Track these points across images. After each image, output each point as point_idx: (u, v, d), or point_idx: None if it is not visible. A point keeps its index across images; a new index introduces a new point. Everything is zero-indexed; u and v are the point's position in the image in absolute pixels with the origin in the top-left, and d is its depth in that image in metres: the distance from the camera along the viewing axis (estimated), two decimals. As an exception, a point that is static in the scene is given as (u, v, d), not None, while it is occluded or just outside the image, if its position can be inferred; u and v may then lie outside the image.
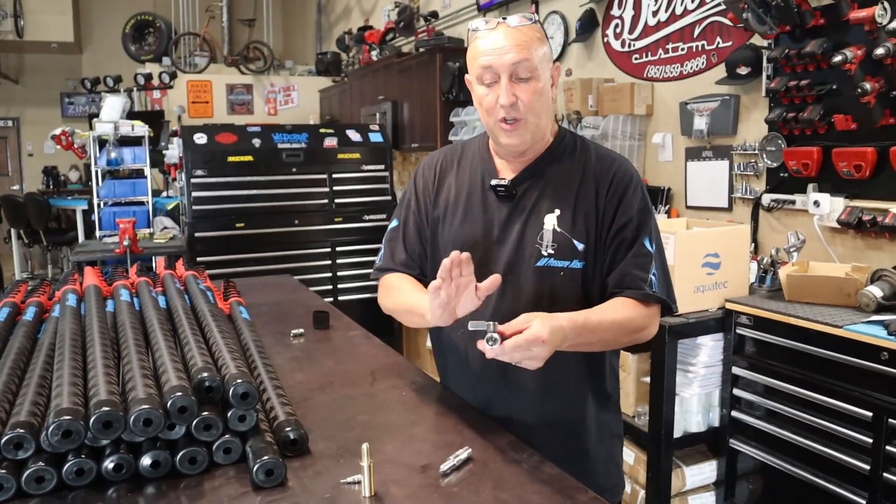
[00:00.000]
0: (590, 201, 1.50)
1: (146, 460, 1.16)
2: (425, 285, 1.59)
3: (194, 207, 4.92)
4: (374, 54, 7.10)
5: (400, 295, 1.57)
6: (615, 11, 4.14)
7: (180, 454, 1.17)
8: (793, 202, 3.08)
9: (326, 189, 5.23)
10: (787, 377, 2.51)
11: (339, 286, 5.32)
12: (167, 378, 1.23)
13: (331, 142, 5.27)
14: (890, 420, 2.17)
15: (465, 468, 1.22)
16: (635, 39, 4.00)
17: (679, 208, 3.73)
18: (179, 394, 1.16)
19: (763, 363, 2.62)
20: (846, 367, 2.29)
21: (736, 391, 2.73)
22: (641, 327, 1.47)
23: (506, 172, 1.55)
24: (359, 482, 1.14)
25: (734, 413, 2.75)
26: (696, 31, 3.60)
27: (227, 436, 1.21)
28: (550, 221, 1.49)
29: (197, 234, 4.93)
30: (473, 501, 1.12)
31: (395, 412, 1.50)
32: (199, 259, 4.78)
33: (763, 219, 3.28)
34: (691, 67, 3.64)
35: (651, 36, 3.89)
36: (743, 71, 3.23)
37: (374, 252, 1.72)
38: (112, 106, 5.73)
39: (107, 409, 1.11)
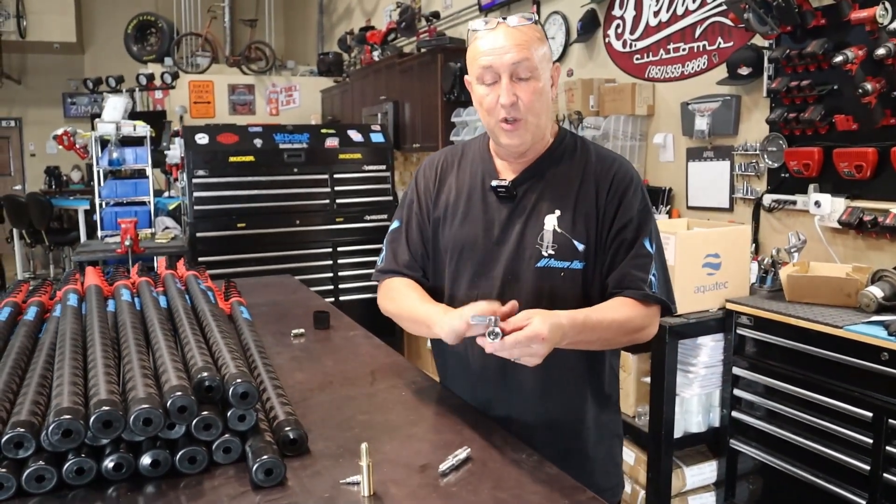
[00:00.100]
0: (590, 202, 1.50)
1: (146, 459, 1.16)
2: (426, 287, 1.60)
3: (196, 207, 4.93)
4: (376, 54, 7.11)
5: (405, 301, 1.57)
6: (616, 12, 4.14)
7: (180, 453, 1.18)
8: (794, 202, 3.08)
9: (328, 189, 5.24)
10: (787, 377, 2.51)
11: (341, 286, 5.32)
12: (167, 378, 1.23)
13: (332, 142, 5.28)
14: (890, 420, 2.17)
15: (464, 468, 1.22)
16: (636, 40, 4.00)
17: (680, 209, 3.73)
18: (179, 393, 1.16)
19: (763, 363, 2.62)
20: (846, 367, 2.29)
21: (736, 391, 2.73)
22: (641, 327, 1.47)
23: (506, 173, 1.55)
24: (358, 483, 1.14)
25: (734, 413, 2.75)
26: (698, 32, 3.60)
27: (226, 435, 1.21)
28: (551, 222, 1.49)
29: (198, 234, 4.94)
30: (472, 501, 1.12)
31: (394, 412, 1.50)
32: (200, 259, 4.79)
33: (764, 219, 3.28)
34: (692, 68, 3.64)
35: (652, 36, 3.89)
36: (744, 71, 3.23)
37: (376, 252, 1.72)
38: (114, 106, 5.74)
39: (107, 408, 1.12)
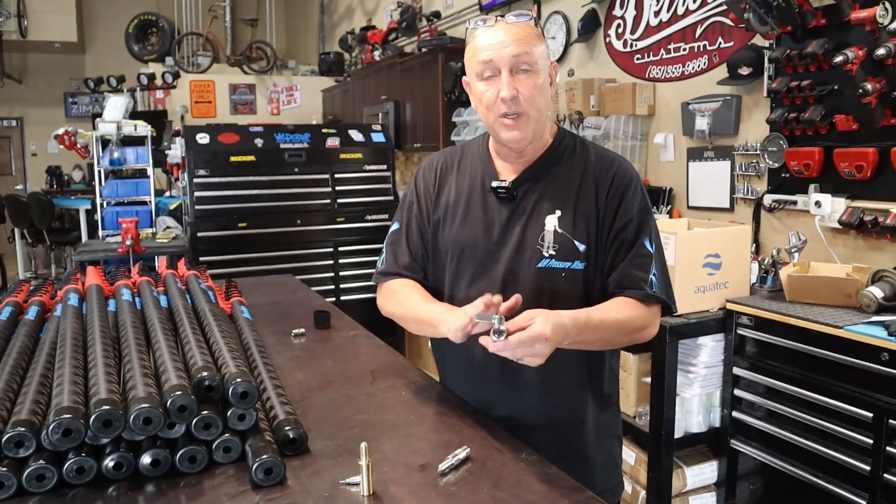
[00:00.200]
0: (590, 202, 1.51)
1: (146, 459, 1.17)
2: (427, 288, 1.60)
3: (197, 207, 4.93)
4: (377, 54, 7.11)
5: (408, 302, 1.57)
6: (617, 12, 4.14)
7: (180, 453, 1.18)
8: (794, 202, 3.08)
9: (328, 189, 5.24)
10: (787, 378, 2.51)
11: (342, 286, 5.33)
12: (167, 377, 1.23)
13: (333, 142, 5.28)
14: (890, 421, 2.17)
15: (464, 467, 1.23)
16: (637, 40, 4.00)
17: (681, 209, 3.73)
18: (179, 393, 1.17)
19: (764, 364, 2.62)
20: (847, 367, 2.29)
21: (737, 391, 2.73)
22: (642, 327, 1.48)
23: (506, 174, 1.56)
24: (357, 484, 1.14)
25: (735, 413, 2.75)
26: (698, 32, 3.60)
27: (226, 435, 1.21)
28: (551, 222, 1.50)
29: (199, 234, 4.95)
30: (471, 500, 1.12)
31: (394, 412, 1.50)
32: (201, 259, 4.79)
33: (764, 219, 3.27)
34: (693, 68, 3.64)
35: (653, 36, 3.89)
36: (744, 71, 3.23)
37: (377, 252, 1.72)
38: (115, 106, 5.75)
39: (107, 407, 1.12)
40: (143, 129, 5.57)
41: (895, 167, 2.64)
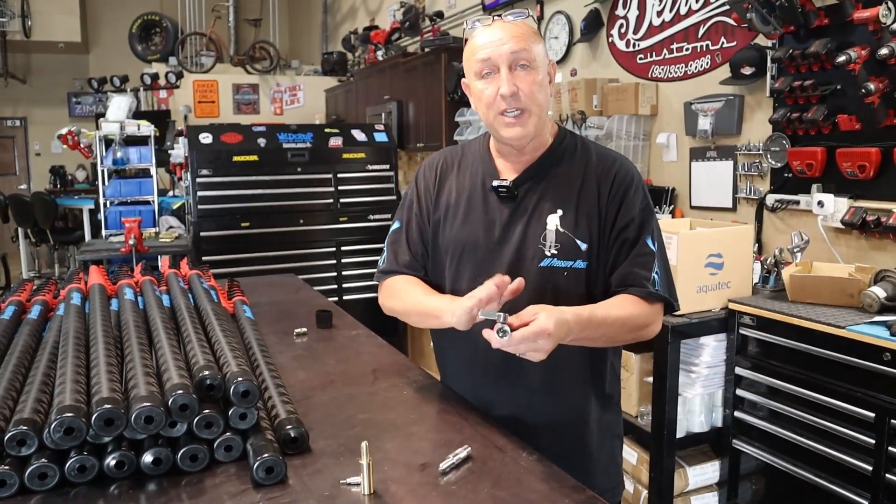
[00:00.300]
0: (592, 201, 1.51)
1: (148, 457, 1.17)
2: (428, 285, 1.61)
3: (199, 207, 4.94)
4: (380, 54, 7.12)
5: (410, 296, 1.57)
6: (620, 11, 4.14)
7: (181, 451, 1.18)
8: (797, 202, 3.07)
9: (331, 189, 5.25)
10: (789, 377, 2.51)
11: (344, 285, 5.33)
12: (169, 376, 1.24)
13: (336, 141, 5.28)
14: (892, 421, 2.17)
15: (464, 466, 1.23)
16: (640, 39, 4.00)
17: (683, 208, 3.73)
18: (181, 391, 1.17)
19: (766, 363, 2.62)
20: (849, 367, 2.29)
21: (739, 391, 2.73)
22: (644, 324, 1.48)
23: (507, 173, 1.56)
24: (358, 484, 1.14)
25: (737, 413, 2.74)
26: (701, 32, 3.60)
27: (227, 433, 1.22)
28: (553, 221, 1.50)
29: (202, 234, 4.95)
30: (471, 500, 1.12)
31: (395, 411, 1.50)
32: (204, 258, 4.80)
33: (767, 219, 3.27)
34: (696, 67, 3.64)
35: (656, 36, 3.89)
36: (747, 71, 3.23)
37: (379, 252, 1.72)
38: (118, 105, 5.75)
39: (108, 406, 1.12)
40: (147, 128, 5.58)
41: (898, 167, 2.64)
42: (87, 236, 7.42)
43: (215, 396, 1.23)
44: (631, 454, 2.88)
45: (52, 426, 1.10)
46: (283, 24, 11.16)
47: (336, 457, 1.26)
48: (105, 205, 5.52)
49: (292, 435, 1.26)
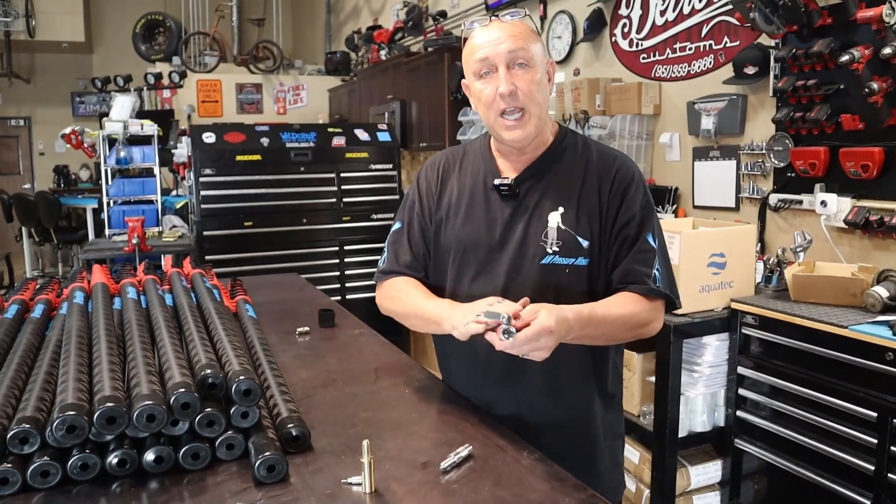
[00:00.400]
0: (593, 199, 1.51)
1: (149, 456, 1.17)
2: (428, 286, 1.61)
3: (203, 206, 4.95)
4: (383, 54, 7.12)
5: (410, 299, 1.57)
6: (623, 11, 4.14)
7: (183, 450, 1.19)
8: (800, 202, 3.07)
9: (334, 188, 5.26)
10: (792, 377, 2.50)
11: (347, 285, 5.34)
12: (171, 374, 1.24)
13: (339, 141, 5.29)
14: (894, 421, 2.16)
15: (466, 465, 1.23)
16: (643, 39, 4.00)
17: (686, 208, 3.72)
18: (182, 390, 1.17)
19: (768, 363, 2.61)
20: (851, 367, 2.29)
21: (741, 391, 2.73)
22: (645, 322, 1.48)
23: (508, 172, 1.56)
24: (359, 484, 1.14)
25: (739, 413, 2.74)
26: (704, 31, 3.60)
27: (229, 432, 1.22)
28: (555, 219, 1.50)
29: (205, 233, 4.96)
30: (472, 498, 1.13)
31: (397, 410, 1.51)
32: (207, 257, 4.81)
33: (770, 219, 3.27)
34: (699, 67, 3.63)
35: (659, 35, 3.88)
36: (750, 70, 3.22)
37: (382, 251, 1.72)
38: (122, 105, 5.77)
39: (110, 404, 1.13)
40: (150, 128, 5.60)
41: (901, 166, 2.63)
42: (91, 235, 7.44)
43: (217, 395, 1.23)
44: (633, 453, 2.88)
45: (55, 424, 1.11)
46: (287, 23, 11.17)
47: (337, 455, 1.26)
48: (108, 204, 5.53)
49: (294, 433, 1.26)
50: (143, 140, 5.62)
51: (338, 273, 5.32)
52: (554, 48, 4.69)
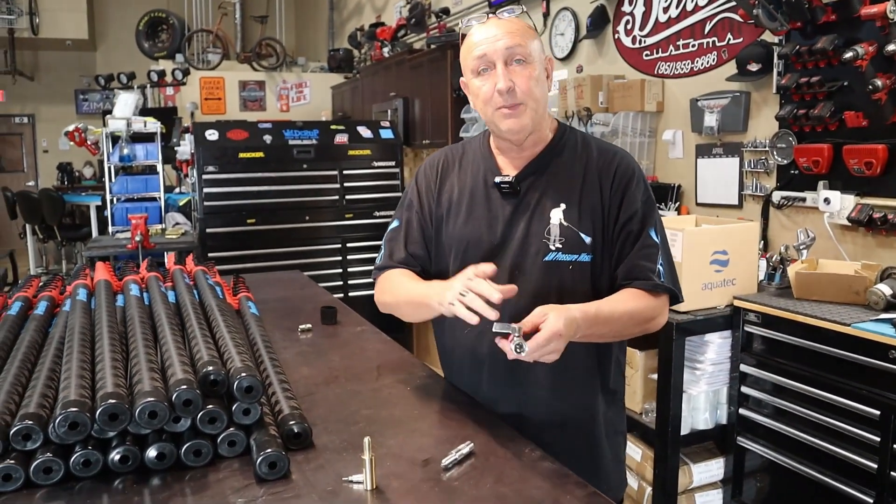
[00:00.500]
0: (595, 195, 1.51)
1: (152, 452, 1.18)
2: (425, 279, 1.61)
3: (205, 203, 4.96)
4: (386, 51, 7.11)
5: (401, 288, 1.57)
6: (626, 8, 4.13)
7: (185, 446, 1.19)
8: (803, 199, 3.06)
9: (337, 185, 5.26)
10: (794, 375, 2.50)
11: (349, 282, 5.34)
12: (173, 371, 1.24)
13: (342, 138, 5.29)
14: (898, 419, 2.16)
15: (467, 462, 1.23)
16: (646, 36, 3.99)
17: (689, 205, 3.72)
18: (184, 387, 1.18)
19: (771, 361, 2.61)
20: (854, 365, 2.28)
21: (744, 388, 2.72)
22: (651, 318, 1.49)
23: (508, 170, 1.56)
24: (361, 482, 1.15)
25: (742, 410, 2.74)
26: (707, 28, 3.59)
27: (231, 429, 1.22)
28: (557, 216, 1.50)
29: (208, 230, 4.97)
30: (474, 495, 1.13)
31: (399, 407, 1.51)
32: (210, 254, 4.82)
33: (773, 216, 3.26)
34: (702, 64, 3.62)
35: (662, 32, 3.88)
36: (754, 67, 3.21)
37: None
38: (125, 102, 5.78)
39: (113, 401, 1.13)
40: (153, 125, 5.61)
41: (905, 164, 2.63)
42: (94, 233, 7.46)
43: (219, 392, 1.24)
44: (635, 451, 2.88)
45: (57, 421, 1.11)
46: (290, 20, 11.17)
47: (339, 452, 1.27)
48: (112, 201, 5.54)
49: (295, 430, 1.27)
50: (147, 137, 5.63)
51: (340, 270, 5.33)
52: (557, 45, 4.68)
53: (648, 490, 2.83)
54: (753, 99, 3.34)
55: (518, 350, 1.23)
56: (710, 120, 3.47)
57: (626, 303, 1.45)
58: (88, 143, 6.05)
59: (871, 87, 2.65)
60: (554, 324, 1.25)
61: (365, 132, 5.40)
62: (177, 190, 6.85)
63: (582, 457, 1.53)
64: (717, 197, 3.55)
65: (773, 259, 2.92)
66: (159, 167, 5.65)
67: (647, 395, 2.86)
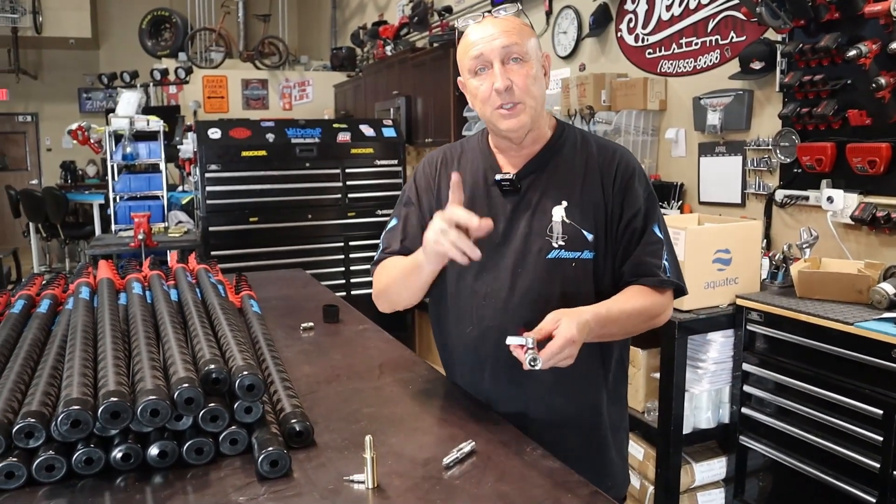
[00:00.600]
0: (596, 192, 1.51)
1: (154, 450, 1.18)
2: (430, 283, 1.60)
3: (208, 202, 4.96)
4: (389, 49, 7.11)
5: (393, 268, 1.57)
6: (629, 6, 4.12)
7: (187, 444, 1.19)
8: (806, 198, 3.06)
9: (339, 184, 5.26)
10: (797, 374, 2.50)
11: (352, 280, 5.34)
12: (175, 369, 1.25)
13: (344, 137, 5.29)
14: (901, 418, 2.16)
15: (468, 461, 1.23)
16: (649, 34, 3.98)
17: (692, 204, 3.71)
18: (186, 385, 1.18)
19: (773, 360, 2.61)
20: (857, 364, 2.28)
21: (746, 388, 2.72)
22: (658, 314, 1.50)
23: (508, 168, 1.55)
24: (362, 482, 1.15)
25: (744, 410, 2.73)
26: (710, 26, 3.58)
27: (233, 427, 1.22)
28: (559, 213, 1.50)
29: (211, 229, 4.98)
30: (475, 494, 1.13)
31: (400, 405, 1.51)
32: (212, 253, 4.82)
33: (776, 215, 3.25)
34: (705, 62, 3.62)
35: (665, 30, 3.87)
36: (757, 66, 3.21)
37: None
38: (128, 101, 5.79)
39: (115, 399, 1.13)
40: (156, 124, 5.61)
41: (908, 162, 2.62)
42: (97, 231, 7.47)
43: (221, 390, 1.24)
44: (637, 450, 2.88)
45: (60, 419, 1.11)
46: (293, 19, 11.17)
47: (340, 451, 1.27)
48: (115, 200, 5.55)
49: (297, 429, 1.27)
50: (149, 136, 5.64)
51: (342, 269, 5.33)
52: (559, 43, 4.68)
53: (651, 489, 2.83)
54: (756, 97, 3.33)
55: (532, 364, 1.24)
56: (713, 118, 3.46)
57: (635, 301, 1.46)
58: (91, 141, 6.05)
59: (874, 85, 2.64)
60: (567, 330, 1.26)
61: (367, 131, 5.40)
62: (179, 188, 6.86)
63: (585, 454, 1.53)
64: (720, 195, 3.54)
65: (776, 258, 2.91)
66: (162, 166, 5.65)
67: (649, 394, 2.86)
